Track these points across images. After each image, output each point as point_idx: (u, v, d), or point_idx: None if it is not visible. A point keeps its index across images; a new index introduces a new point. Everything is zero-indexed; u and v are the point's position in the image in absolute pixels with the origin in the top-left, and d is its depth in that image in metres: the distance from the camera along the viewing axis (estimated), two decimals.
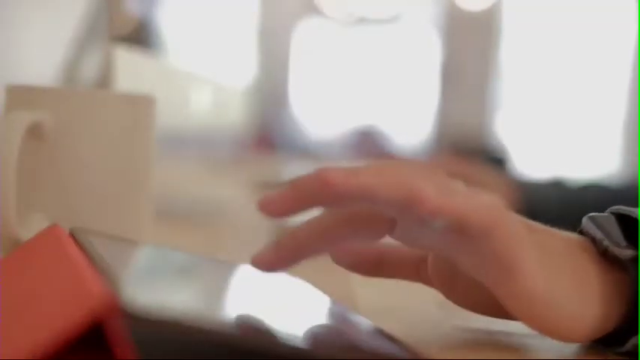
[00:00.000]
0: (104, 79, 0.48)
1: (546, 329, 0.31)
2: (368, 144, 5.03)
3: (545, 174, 0.81)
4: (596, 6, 4.51)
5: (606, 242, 0.32)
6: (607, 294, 0.32)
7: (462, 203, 0.29)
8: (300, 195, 0.29)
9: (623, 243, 0.32)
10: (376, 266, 0.36)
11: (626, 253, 0.31)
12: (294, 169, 1.39)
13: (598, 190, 0.77)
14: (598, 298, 0.32)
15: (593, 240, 0.33)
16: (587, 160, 4.50)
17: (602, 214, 0.34)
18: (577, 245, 0.33)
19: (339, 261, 0.36)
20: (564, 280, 0.31)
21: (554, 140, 4.63)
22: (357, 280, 0.46)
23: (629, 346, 0.32)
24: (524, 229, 0.31)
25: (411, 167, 0.31)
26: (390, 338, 0.28)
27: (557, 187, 0.78)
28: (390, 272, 0.36)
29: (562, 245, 0.33)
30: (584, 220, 0.34)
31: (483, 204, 0.30)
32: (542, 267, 0.31)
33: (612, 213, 0.34)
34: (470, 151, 3.50)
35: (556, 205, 0.76)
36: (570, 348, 0.34)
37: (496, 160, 3.31)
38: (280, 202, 0.29)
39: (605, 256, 0.33)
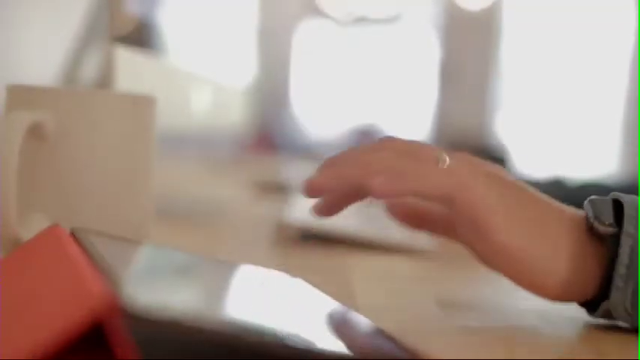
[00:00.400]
0: (104, 79, 0.48)
1: (520, 281, 0.36)
2: (367, 141, 5.03)
3: (545, 173, 0.81)
4: (596, 6, 4.51)
5: (593, 219, 0.36)
6: (586, 263, 0.36)
7: (413, 183, 0.35)
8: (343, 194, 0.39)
9: (608, 221, 0.35)
10: (422, 221, 0.42)
11: (608, 229, 0.35)
12: (295, 169, 1.39)
13: (597, 189, 0.77)
14: (573, 262, 0.36)
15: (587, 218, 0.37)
16: (586, 160, 4.51)
17: (603, 197, 0.37)
18: (567, 218, 0.37)
19: (391, 212, 0.43)
20: (538, 240, 0.36)
21: (553, 140, 4.63)
22: (357, 280, 0.46)
23: (600, 311, 0.36)
24: (494, 191, 0.36)
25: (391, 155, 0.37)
26: (389, 338, 0.28)
27: (556, 186, 0.78)
28: (432, 228, 0.43)
29: (544, 210, 0.37)
30: (586, 201, 0.37)
31: (440, 177, 0.36)
32: (513, 225, 0.36)
33: (612, 198, 0.37)
34: (470, 150, 3.50)
35: None
36: (569, 347, 0.34)
37: (496, 160, 3.31)
38: (327, 202, 0.39)
39: (592, 232, 0.37)
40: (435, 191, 0.35)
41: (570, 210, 0.38)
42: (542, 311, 0.40)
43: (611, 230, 0.35)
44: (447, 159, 0.37)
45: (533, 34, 4.67)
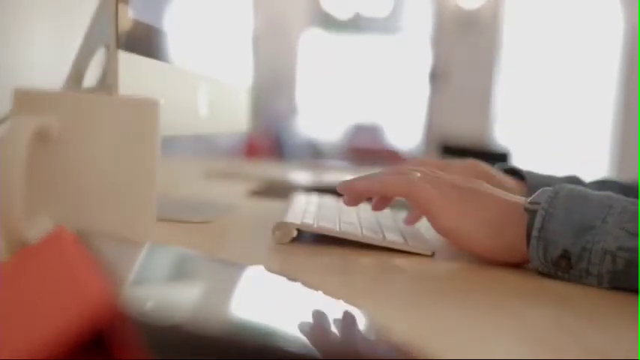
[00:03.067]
0: (109, 83, 0.49)
1: (467, 249, 0.53)
2: (367, 138, 5.03)
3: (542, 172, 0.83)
4: (591, 9, 4.51)
5: (526, 202, 0.51)
6: (511, 232, 0.51)
7: (380, 185, 0.55)
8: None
9: (534, 201, 0.50)
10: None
11: (529, 206, 0.51)
12: (296, 170, 1.39)
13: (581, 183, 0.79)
14: (495, 232, 0.52)
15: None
16: (582, 163, 4.52)
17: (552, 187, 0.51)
18: (501, 203, 0.53)
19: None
20: (466, 220, 0.52)
21: (552, 143, 4.64)
22: (356, 280, 0.46)
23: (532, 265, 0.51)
24: (438, 191, 0.53)
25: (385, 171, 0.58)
26: (388, 339, 0.29)
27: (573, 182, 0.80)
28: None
29: (477, 200, 0.53)
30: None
31: (399, 181, 0.55)
32: (448, 212, 0.52)
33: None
34: (470, 150, 3.49)
35: None
36: (569, 352, 0.34)
37: (496, 159, 3.30)
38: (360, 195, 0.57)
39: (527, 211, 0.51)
40: (397, 188, 0.55)
41: (512, 197, 0.53)
42: (545, 309, 0.41)
43: (533, 207, 0.50)
44: (419, 175, 0.55)
45: (532, 34, 4.67)
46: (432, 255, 0.56)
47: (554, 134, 4.65)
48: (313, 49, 5.28)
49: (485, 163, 0.71)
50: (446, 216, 0.53)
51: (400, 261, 0.53)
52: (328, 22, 5.21)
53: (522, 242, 0.51)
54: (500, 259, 0.53)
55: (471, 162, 0.69)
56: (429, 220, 0.54)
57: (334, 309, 0.32)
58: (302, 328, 0.26)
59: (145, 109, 0.41)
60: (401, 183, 0.54)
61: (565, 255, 0.48)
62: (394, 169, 0.58)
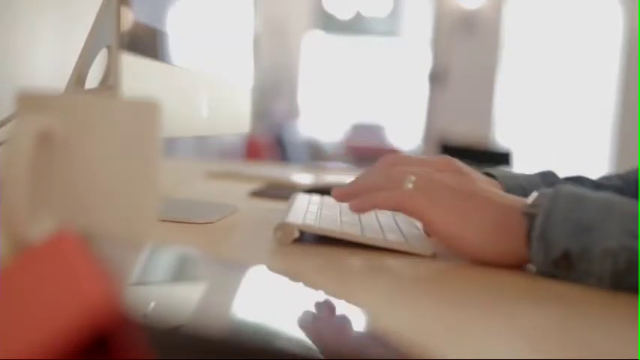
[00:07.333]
0: (111, 84, 0.49)
1: (463, 253, 0.53)
2: (367, 138, 5.03)
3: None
4: (594, 9, 4.51)
5: (525, 205, 0.51)
6: (508, 233, 0.51)
7: (374, 198, 0.55)
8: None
9: (532, 204, 0.50)
10: None
11: (529, 209, 0.50)
12: (298, 170, 1.39)
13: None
14: (486, 234, 0.52)
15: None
16: (582, 163, 4.51)
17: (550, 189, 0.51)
18: (496, 205, 0.52)
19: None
20: (457, 223, 0.52)
21: (552, 143, 4.63)
22: (356, 280, 0.46)
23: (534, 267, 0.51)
24: (430, 196, 0.53)
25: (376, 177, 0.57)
26: (388, 339, 0.29)
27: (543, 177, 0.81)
28: None
29: (470, 203, 0.53)
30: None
31: (389, 197, 0.55)
32: (439, 216, 0.52)
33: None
34: (470, 150, 3.49)
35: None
36: (570, 352, 0.34)
37: (497, 159, 3.30)
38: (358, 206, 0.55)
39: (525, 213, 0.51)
40: (388, 204, 0.55)
41: (509, 200, 0.53)
42: (545, 309, 0.41)
43: (532, 210, 0.50)
44: (413, 179, 0.55)
45: (532, 35, 4.67)
46: (433, 255, 0.56)
47: (555, 134, 4.65)
48: (314, 51, 5.28)
49: (459, 160, 0.68)
50: (440, 222, 0.53)
51: (401, 261, 0.54)
52: (329, 23, 5.21)
53: (521, 245, 0.51)
54: (498, 262, 0.53)
55: (444, 158, 0.64)
56: (425, 226, 0.55)
57: (334, 309, 0.33)
58: (302, 328, 0.26)
59: (146, 110, 0.42)
60: (391, 199, 0.54)
61: (566, 255, 0.48)
62: (385, 169, 0.58)
